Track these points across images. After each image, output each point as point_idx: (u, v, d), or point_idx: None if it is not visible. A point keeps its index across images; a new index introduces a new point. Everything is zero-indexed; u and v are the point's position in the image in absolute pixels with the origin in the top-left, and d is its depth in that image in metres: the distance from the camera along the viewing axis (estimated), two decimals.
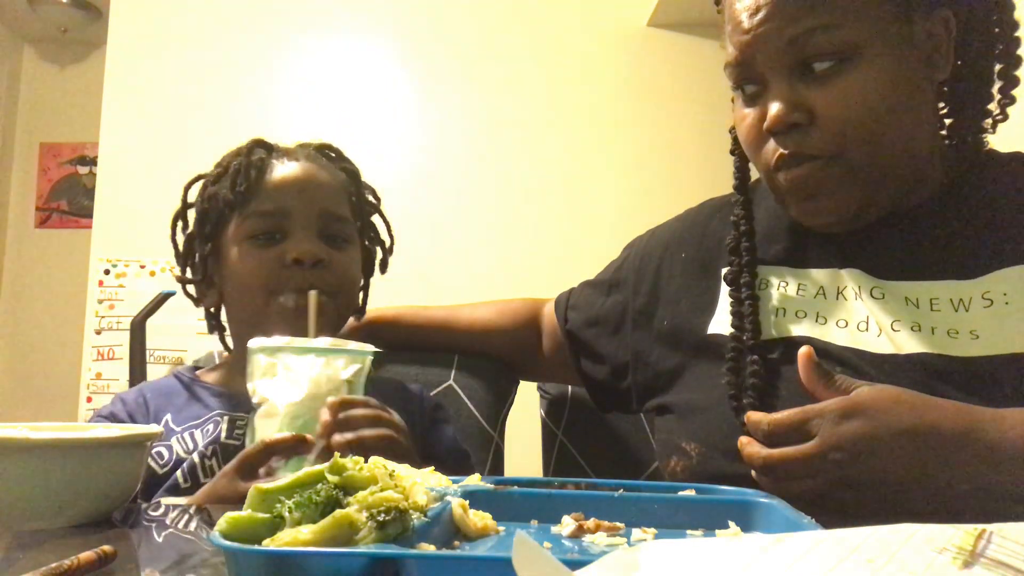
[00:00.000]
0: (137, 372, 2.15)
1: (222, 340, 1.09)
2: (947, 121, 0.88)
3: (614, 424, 1.21)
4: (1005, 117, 0.87)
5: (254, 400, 0.83)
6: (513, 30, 2.84)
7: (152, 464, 0.92)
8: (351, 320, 1.13)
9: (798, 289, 0.87)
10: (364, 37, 2.84)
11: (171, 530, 0.67)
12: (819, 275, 0.87)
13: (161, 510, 0.73)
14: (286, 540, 0.40)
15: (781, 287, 0.88)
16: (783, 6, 0.79)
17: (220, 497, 0.76)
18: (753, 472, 0.71)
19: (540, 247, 2.72)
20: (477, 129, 2.79)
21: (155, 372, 2.36)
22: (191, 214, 1.06)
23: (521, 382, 1.27)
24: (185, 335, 2.55)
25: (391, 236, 1.15)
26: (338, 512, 0.42)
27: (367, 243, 1.12)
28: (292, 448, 0.77)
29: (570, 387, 1.23)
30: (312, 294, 0.93)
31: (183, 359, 2.58)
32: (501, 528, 0.52)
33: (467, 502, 0.51)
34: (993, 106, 0.86)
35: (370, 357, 0.86)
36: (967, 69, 0.85)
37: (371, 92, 2.81)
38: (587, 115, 2.81)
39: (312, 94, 2.79)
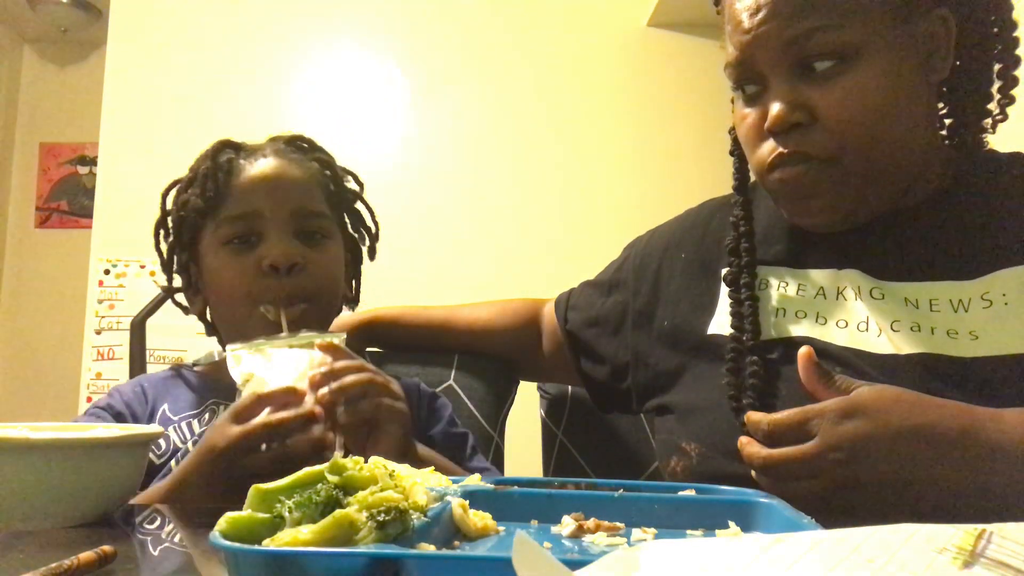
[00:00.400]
0: (137, 372, 2.15)
1: (220, 342, 1.09)
2: (947, 121, 0.88)
3: (614, 424, 1.21)
4: (1005, 117, 0.87)
5: (239, 383, 0.83)
6: (513, 30, 2.84)
7: (149, 454, 0.92)
8: (346, 312, 1.12)
9: (798, 289, 0.87)
10: (364, 36, 2.84)
11: (171, 530, 0.67)
12: (819, 276, 0.87)
13: (159, 521, 0.73)
14: (286, 540, 0.40)
15: (781, 287, 0.88)
16: (783, 6, 0.79)
17: (211, 444, 0.75)
18: (753, 472, 0.71)
19: (540, 247, 2.72)
20: (477, 129, 2.79)
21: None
22: (171, 222, 1.05)
23: (521, 382, 1.27)
24: (185, 335, 2.53)
25: (375, 223, 1.12)
26: (338, 512, 0.42)
27: (352, 232, 1.10)
28: (282, 401, 0.77)
29: (570, 387, 1.23)
30: (283, 313, 0.93)
31: (183, 359, 2.58)
32: (501, 528, 0.52)
33: (467, 502, 0.51)
34: (993, 106, 0.86)
35: (343, 335, 0.87)
36: (966, 69, 0.85)
37: (371, 92, 2.81)
38: (587, 115, 2.81)
39: (312, 94, 2.79)
